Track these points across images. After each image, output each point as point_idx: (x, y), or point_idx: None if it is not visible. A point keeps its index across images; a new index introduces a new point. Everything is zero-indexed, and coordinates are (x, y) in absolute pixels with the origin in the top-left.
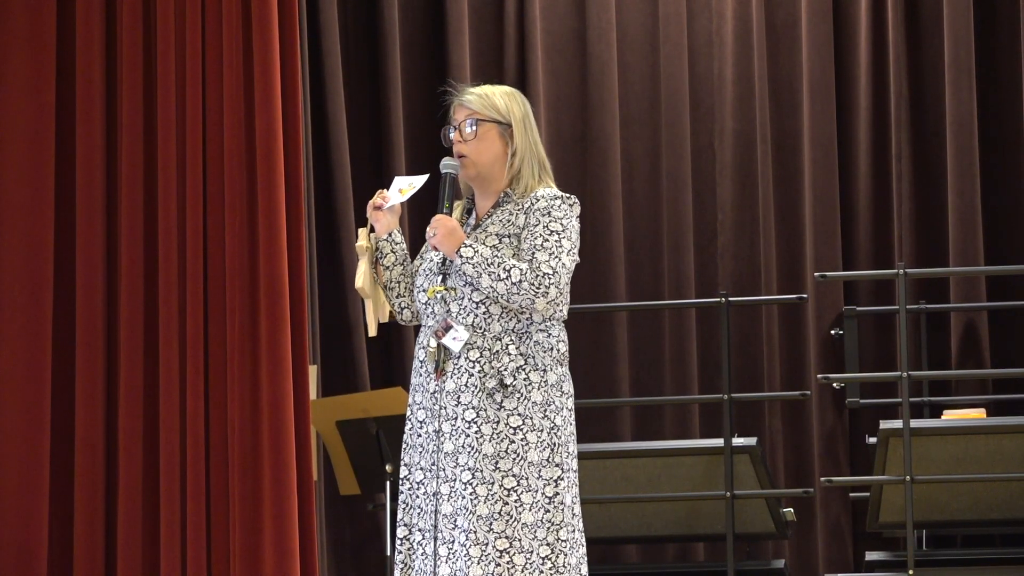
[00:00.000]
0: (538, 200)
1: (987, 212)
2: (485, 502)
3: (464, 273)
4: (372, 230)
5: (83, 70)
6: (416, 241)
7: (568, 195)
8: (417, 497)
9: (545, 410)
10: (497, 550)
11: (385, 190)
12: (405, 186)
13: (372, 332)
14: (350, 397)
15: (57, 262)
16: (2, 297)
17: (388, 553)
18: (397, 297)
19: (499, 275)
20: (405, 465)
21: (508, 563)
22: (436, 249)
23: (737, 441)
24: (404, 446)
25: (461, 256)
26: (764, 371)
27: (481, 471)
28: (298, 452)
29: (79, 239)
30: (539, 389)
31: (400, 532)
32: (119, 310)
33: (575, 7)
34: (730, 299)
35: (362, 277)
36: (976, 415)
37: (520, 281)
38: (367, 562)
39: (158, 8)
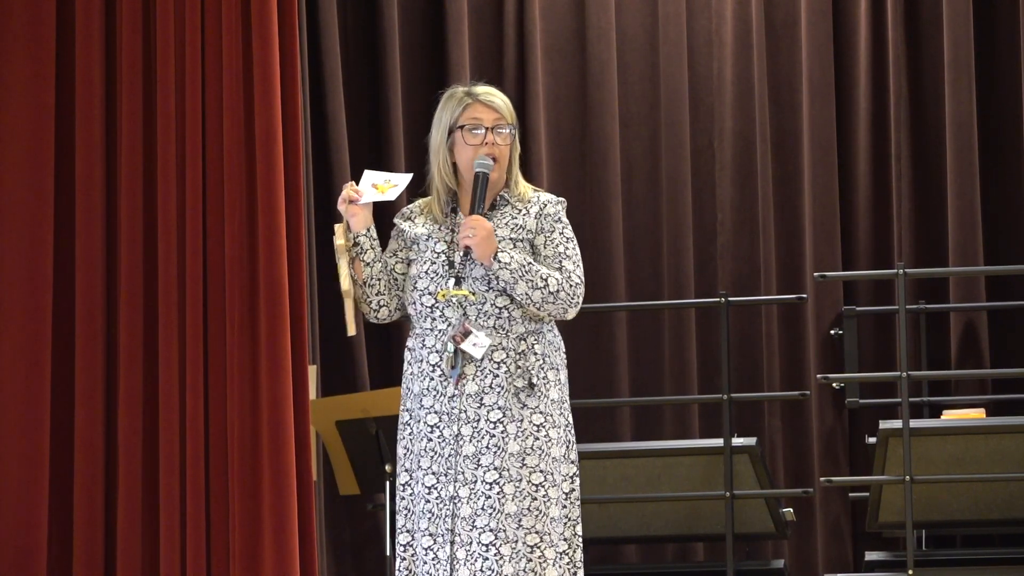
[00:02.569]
0: (545, 206)
1: (987, 212)
2: (513, 499)
3: (499, 279)
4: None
5: (83, 70)
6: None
7: (560, 197)
8: (429, 503)
9: (561, 407)
10: (527, 545)
11: (354, 182)
12: (380, 182)
13: (352, 331)
14: (350, 397)
15: (57, 262)
16: (2, 297)
17: (388, 553)
18: (376, 295)
19: (536, 283)
20: (406, 471)
21: (539, 557)
22: (468, 251)
23: (737, 441)
24: (405, 451)
25: (499, 261)
26: (764, 371)
27: (508, 469)
28: (298, 452)
29: (79, 239)
30: (556, 386)
31: (402, 539)
32: (119, 310)
33: (575, 7)
34: (730, 299)
35: (347, 278)
36: (976, 415)
37: (558, 291)
38: (367, 562)
39: (158, 8)
